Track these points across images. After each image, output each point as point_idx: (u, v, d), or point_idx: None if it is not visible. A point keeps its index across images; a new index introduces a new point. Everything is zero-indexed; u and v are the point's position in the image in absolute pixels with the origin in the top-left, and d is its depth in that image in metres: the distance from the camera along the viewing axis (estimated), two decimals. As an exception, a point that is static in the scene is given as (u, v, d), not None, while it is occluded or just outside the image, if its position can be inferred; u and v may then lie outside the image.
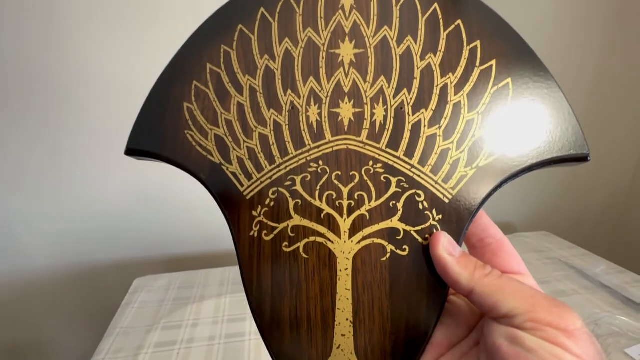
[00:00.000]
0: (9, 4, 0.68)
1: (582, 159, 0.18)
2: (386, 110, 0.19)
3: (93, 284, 0.88)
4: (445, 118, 0.18)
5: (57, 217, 0.82)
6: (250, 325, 0.63)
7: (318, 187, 0.18)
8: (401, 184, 0.18)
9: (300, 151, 0.19)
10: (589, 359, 0.12)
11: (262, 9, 0.20)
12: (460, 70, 0.19)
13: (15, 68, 0.72)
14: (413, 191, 0.18)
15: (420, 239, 0.18)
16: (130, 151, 0.19)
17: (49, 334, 0.92)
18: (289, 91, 0.19)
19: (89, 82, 0.75)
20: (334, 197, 0.18)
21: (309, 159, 0.19)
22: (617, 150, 1.07)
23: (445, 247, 0.16)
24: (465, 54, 0.19)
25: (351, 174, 0.18)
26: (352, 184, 0.18)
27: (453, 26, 0.19)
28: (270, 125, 0.19)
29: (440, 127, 0.18)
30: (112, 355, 0.57)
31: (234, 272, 0.80)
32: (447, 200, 0.18)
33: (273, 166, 0.19)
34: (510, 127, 0.18)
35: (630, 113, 1.05)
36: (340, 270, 0.18)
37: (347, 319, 0.17)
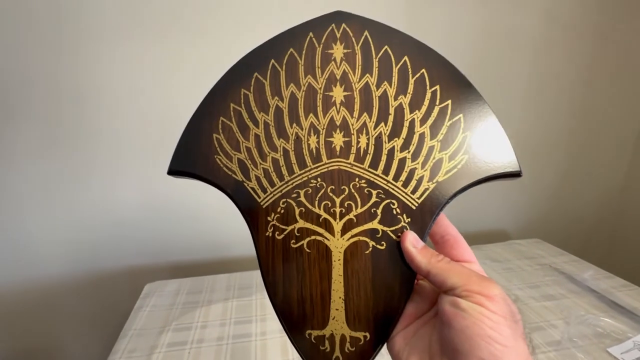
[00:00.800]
0: (42, 27, 0.74)
1: (516, 174, 0.24)
2: (368, 139, 0.25)
3: (104, 290, 0.92)
4: (413, 145, 0.24)
5: (72, 227, 0.86)
6: (256, 327, 0.67)
7: (317, 198, 0.24)
8: (380, 195, 0.24)
9: (303, 171, 0.24)
10: (501, 313, 0.18)
11: (272, 61, 0.26)
12: (424, 108, 0.25)
13: (39, 85, 0.77)
14: (389, 200, 0.24)
15: (394, 237, 0.23)
16: (172, 172, 0.25)
17: (62, 338, 0.95)
18: (294, 124, 0.25)
19: (106, 103, 0.80)
20: (329, 205, 0.24)
21: (310, 176, 0.24)
22: (606, 160, 1.11)
23: (411, 242, 0.22)
24: (428, 95, 0.25)
25: (342, 188, 0.24)
26: (343, 196, 0.24)
27: (419, 74, 0.25)
28: (280, 151, 0.25)
29: (409, 152, 0.24)
30: (127, 355, 0.61)
31: (240, 277, 0.84)
32: (414, 207, 0.24)
33: (283, 182, 0.24)
34: (461, 151, 0.24)
35: (619, 124, 1.08)
36: (335, 261, 0.23)
37: (340, 297, 0.23)
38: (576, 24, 0.95)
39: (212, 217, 0.92)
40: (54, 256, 0.88)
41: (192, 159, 0.25)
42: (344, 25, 0.26)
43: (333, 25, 0.26)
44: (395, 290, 0.23)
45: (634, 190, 1.13)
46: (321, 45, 0.26)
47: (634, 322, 0.65)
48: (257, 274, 0.85)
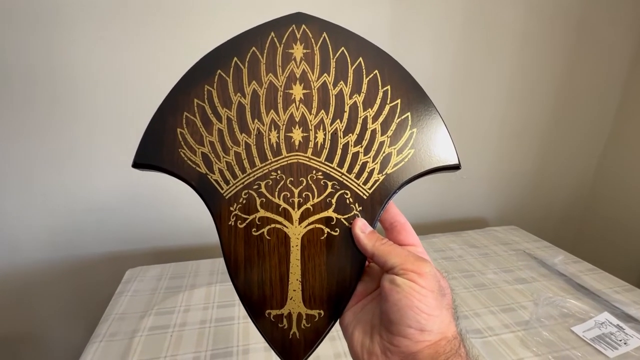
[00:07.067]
0: (18, 9, 0.71)
1: (455, 167, 0.26)
2: (325, 135, 0.26)
3: (85, 276, 0.93)
4: (365, 140, 0.26)
5: (52, 213, 0.86)
6: (239, 310, 0.68)
7: (277, 189, 0.26)
8: (335, 186, 0.26)
9: (264, 164, 0.26)
10: (429, 287, 0.20)
11: (235, 58, 0.27)
12: (376, 107, 0.27)
13: (18, 71, 0.75)
14: (343, 191, 0.26)
15: (346, 224, 0.26)
16: (137, 165, 0.26)
17: (43, 324, 0.95)
18: (256, 120, 0.27)
19: (84, 88, 0.79)
20: (288, 196, 0.26)
21: (270, 169, 0.26)
22: (579, 154, 1.18)
23: (360, 228, 0.24)
24: (380, 94, 0.27)
25: (300, 179, 0.26)
26: (301, 187, 0.26)
27: (372, 74, 0.27)
28: (242, 145, 0.26)
29: (361, 146, 0.26)
30: (108, 338, 0.62)
31: (224, 262, 0.85)
32: (365, 197, 0.26)
33: (245, 175, 0.26)
34: (408, 145, 0.26)
35: (592, 123, 1.14)
36: (293, 247, 0.25)
37: (297, 279, 0.25)
38: (558, 18, 0.97)
39: (191, 202, 0.92)
40: (33, 242, 0.87)
41: (156, 152, 0.26)
42: (304, 26, 0.27)
43: (294, 25, 0.27)
44: (347, 272, 0.25)
45: (604, 182, 1.21)
46: (282, 45, 0.27)
47: (597, 302, 0.70)
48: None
